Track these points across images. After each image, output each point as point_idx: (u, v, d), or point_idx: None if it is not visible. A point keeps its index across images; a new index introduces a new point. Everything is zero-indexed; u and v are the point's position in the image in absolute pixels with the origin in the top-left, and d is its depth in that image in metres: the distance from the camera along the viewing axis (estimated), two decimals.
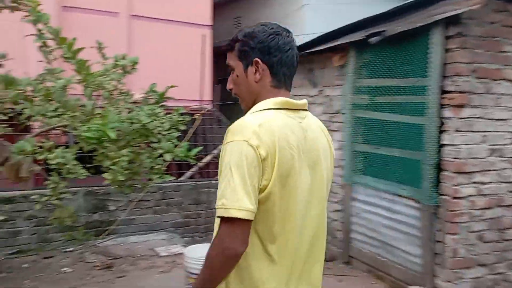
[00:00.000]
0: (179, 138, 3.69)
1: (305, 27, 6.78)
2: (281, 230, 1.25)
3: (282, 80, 1.37)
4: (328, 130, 5.04)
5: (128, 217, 5.30)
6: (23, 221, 4.72)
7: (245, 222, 1.17)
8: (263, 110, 1.31)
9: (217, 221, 1.25)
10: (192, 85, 6.54)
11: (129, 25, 6.18)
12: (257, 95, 1.36)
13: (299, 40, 5.80)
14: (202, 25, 6.64)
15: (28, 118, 3.44)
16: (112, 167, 3.34)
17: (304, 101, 1.40)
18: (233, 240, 1.17)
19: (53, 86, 3.27)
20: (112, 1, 6.09)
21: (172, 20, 6.34)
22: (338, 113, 4.78)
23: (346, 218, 4.64)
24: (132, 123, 3.43)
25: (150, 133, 3.53)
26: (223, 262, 1.18)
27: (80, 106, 3.61)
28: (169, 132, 3.61)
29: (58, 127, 3.56)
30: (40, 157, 3.24)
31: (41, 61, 3.42)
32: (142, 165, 3.62)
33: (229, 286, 1.26)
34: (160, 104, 3.77)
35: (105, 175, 3.38)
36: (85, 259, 4.47)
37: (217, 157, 6.73)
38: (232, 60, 1.40)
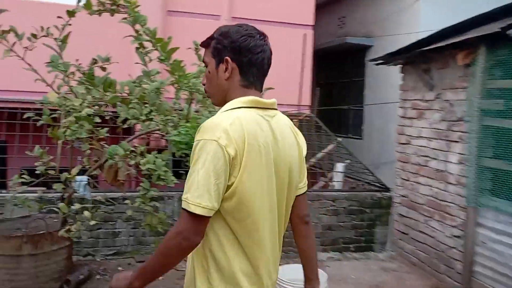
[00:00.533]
0: None
1: (420, 23, 6.05)
2: (249, 223, 1.33)
3: (251, 80, 1.42)
4: (447, 140, 4.14)
5: None
6: (122, 223, 4.79)
7: (204, 218, 1.26)
8: (234, 108, 1.36)
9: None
10: (290, 88, 6.21)
11: None
12: (226, 92, 1.42)
13: (413, 38, 5.14)
14: (304, 25, 6.29)
15: (125, 121, 3.39)
16: None
17: (273, 100, 1.44)
18: (190, 232, 1.25)
19: (146, 88, 3.16)
20: (214, 4, 6.05)
21: (272, 21, 6.10)
22: (460, 120, 4.05)
23: (468, 247, 3.88)
24: None
25: None
26: (179, 250, 1.27)
27: (176, 109, 3.48)
28: None
29: (154, 131, 3.46)
30: (132, 162, 3.15)
31: (138, 63, 3.36)
32: None
33: (211, 278, 1.35)
34: None
35: None
36: (177, 266, 4.36)
37: (314, 166, 6.33)
38: (207, 56, 1.46)
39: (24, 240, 3.43)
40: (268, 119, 1.38)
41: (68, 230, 3.32)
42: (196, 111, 3.55)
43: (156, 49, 3.27)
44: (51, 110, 3.44)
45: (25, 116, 3.50)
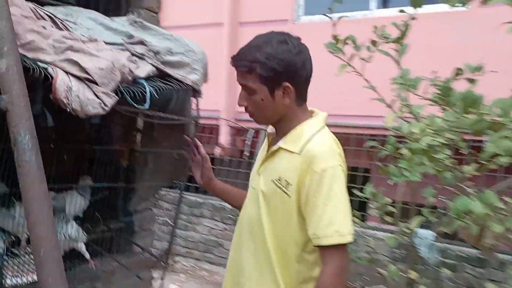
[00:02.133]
0: None
1: None
2: None
3: (305, 97, 1.40)
4: None
5: None
6: None
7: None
8: (321, 129, 1.35)
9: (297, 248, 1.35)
10: None
11: None
12: (282, 114, 1.38)
13: None
14: None
15: (493, 157, 2.16)
16: None
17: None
18: (348, 262, 1.28)
19: None
20: None
21: None
22: None
23: None
24: None
25: None
26: (344, 284, 1.26)
27: None
28: None
29: None
30: (497, 228, 1.88)
31: None
32: None
33: None
34: None
35: None
36: None
37: None
38: (251, 82, 1.33)
39: None
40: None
41: None
42: None
43: None
44: (400, 138, 2.67)
45: (366, 144, 2.89)
